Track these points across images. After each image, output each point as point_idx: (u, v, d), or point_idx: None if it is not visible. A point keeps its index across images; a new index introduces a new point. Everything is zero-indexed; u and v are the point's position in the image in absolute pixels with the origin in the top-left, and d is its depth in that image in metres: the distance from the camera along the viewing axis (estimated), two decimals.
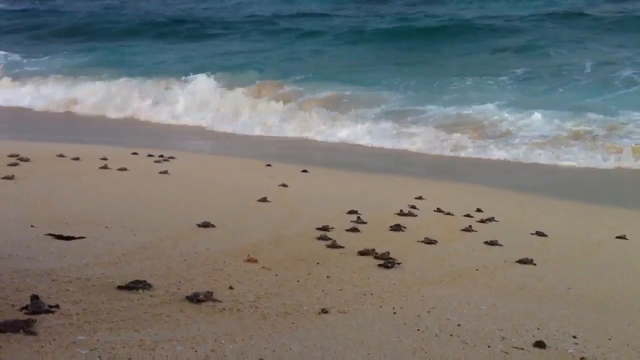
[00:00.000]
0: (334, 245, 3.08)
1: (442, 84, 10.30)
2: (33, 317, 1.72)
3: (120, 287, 2.11)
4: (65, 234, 2.78)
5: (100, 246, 2.69)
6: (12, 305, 1.84)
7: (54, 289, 2.01)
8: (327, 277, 2.57)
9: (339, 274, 2.62)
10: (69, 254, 2.51)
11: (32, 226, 2.93)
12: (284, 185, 4.77)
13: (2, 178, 4.13)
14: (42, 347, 1.56)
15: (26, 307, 1.80)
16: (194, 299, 2.08)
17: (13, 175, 4.23)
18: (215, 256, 2.72)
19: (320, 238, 3.18)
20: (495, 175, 6.44)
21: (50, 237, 2.75)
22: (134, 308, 1.94)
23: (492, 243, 3.46)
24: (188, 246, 2.85)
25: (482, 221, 4.00)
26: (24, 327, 1.64)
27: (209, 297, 2.10)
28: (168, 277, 2.33)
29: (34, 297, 1.84)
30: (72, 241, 2.74)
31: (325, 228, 3.40)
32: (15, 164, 4.70)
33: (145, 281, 2.16)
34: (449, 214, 4.16)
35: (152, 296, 2.08)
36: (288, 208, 4.03)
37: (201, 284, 2.28)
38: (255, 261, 2.73)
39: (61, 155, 5.27)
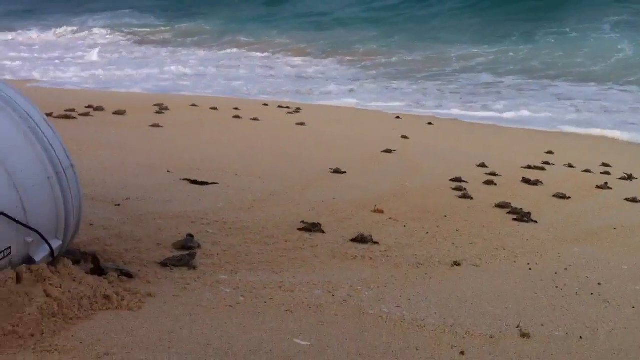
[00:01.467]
0: (465, 196, 3.04)
1: None
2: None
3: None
4: (199, 180, 2.89)
5: (232, 192, 2.77)
6: (158, 243, 1.93)
7: (194, 230, 2.08)
8: (457, 230, 2.52)
9: (468, 228, 2.56)
10: (205, 199, 2.60)
11: (168, 171, 3.06)
12: (405, 137, 4.74)
13: (150, 126, 4.40)
14: (188, 284, 1.62)
15: (174, 245, 1.89)
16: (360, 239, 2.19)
17: (158, 124, 4.48)
18: (342, 206, 2.73)
19: (456, 189, 3.16)
20: None
21: (186, 181, 2.87)
22: (270, 252, 1.99)
23: (634, 200, 3.27)
24: (315, 195, 2.88)
25: (622, 178, 3.78)
26: (187, 262, 1.73)
27: (368, 239, 2.21)
28: (296, 223, 2.36)
29: (189, 235, 1.94)
30: (206, 186, 2.84)
31: (458, 179, 3.38)
32: (160, 112, 5.08)
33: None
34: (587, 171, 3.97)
35: (286, 241, 2.12)
36: (411, 160, 3.99)
37: (331, 231, 2.30)
38: (382, 212, 2.72)
39: (194, 105, 5.61)
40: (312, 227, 2.27)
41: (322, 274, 1.86)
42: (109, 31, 16.14)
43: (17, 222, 1.24)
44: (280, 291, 1.66)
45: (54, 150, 1.30)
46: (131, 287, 1.48)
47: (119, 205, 2.32)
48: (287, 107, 6.00)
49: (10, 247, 1.26)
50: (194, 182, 2.87)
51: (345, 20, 15.85)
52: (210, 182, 2.89)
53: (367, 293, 1.78)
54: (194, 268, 1.72)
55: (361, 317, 1.61)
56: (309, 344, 1.41)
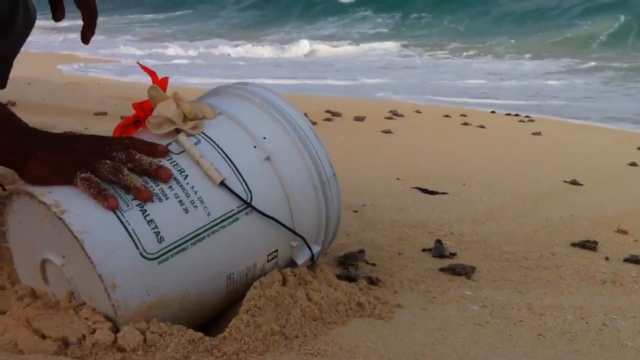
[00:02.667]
0: None
1: None
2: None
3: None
4: (429, 189, 2.88)
5: (463, 203, 2.72)
6: (399, 253, 1.94)
7: (431, 241, 2.07)
8: None
9: None
10: (436, 208, 2.58)
11: (397, 178, 3.09)
12: None
13: (382, 132, 4.53)
14: (434, 297, 1.60)
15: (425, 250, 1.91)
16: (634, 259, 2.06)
17: (389, 130, 4.60)
18: (581, 222, 2.55)
19: None
20: None
21: (416, 190, 2.87)
22: (511, 269, 1.91)
23: None
24: (551, 210, 2.73)
25: None
26: (467, 272, 1.74)
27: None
28: (534, 241, 2.24)
29: (438, 242, 1.94)
30: (436, 195, 2.82)
31: None
32: (390, 118, 5.22)
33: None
34: None
35: (526, 259, 2.02)
36: None
37: (572, 248, 2.15)
38: (625, 233, 2.49)
39: (417, 112, 5.69)
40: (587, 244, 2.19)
41: (571, 297, 1.74)
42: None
43: (286, 227, 1.30)
44: (530, 314, 1.58)
45: (320, 160, 1.35)
46: (380, 296, 1.50)
47: (356, 211, 2.38)
48: (516, 115, 5.87)
49: (277, 250, 1.33)
50: (424, 190, 2.87)
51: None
52: (440, 191, 2.87)
53: (623, 323, 1.62)
54: (472, 280, 1.72)
55: (620, 350, 1.47)
56: None
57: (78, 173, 1.17)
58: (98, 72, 8.72)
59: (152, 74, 1.36)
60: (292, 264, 1.38)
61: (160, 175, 1.20)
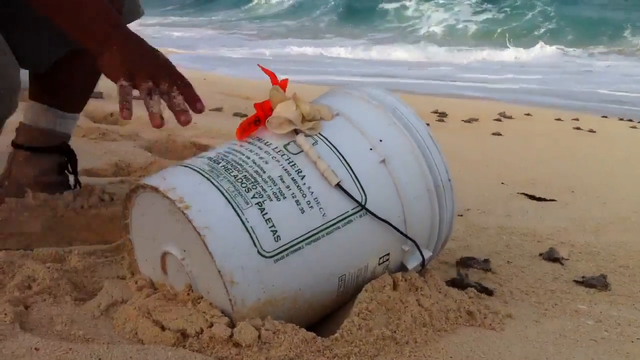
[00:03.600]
0: None
1: None
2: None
3: None
4: (536, 195, 2.79)
5: (573, 212, 2.61)
6: (508, 261, 1.89)
7: (541, 251, 2.00)
8: None
9: None
10: (545, 216, 2.49)
11: (502, 183, 3.01)
12: None
13: (492, 134, 4.46)
14: (546, 310, 1.55)
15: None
16: None
17: (498, 132, 4.52)
18: None
19: None
20: None
21: (522, 196, 2.79)
22: (628, 284, 1.81)
23: None
24: None
25: None
26: (601, 284, 1.69)
27: None
28: None
29: (550, 251, 1.89)
30: (543, 202, 2.72)
31: None
32: (498, 120, 5.13)
33: None
34: None
35: None
36: None
37: None
38: None
39: (527, 114, 5.55)
40: None
41: None
42: None
43: (399, 231, 1.29)
44: None
45: (436, 164, 1.33)
46: (490, 305, 1.46)
47: (461, 215, 2.33)
48: (630, 121, 5.60)
49: (389, 254, 1.32)
50: (531, 197, 2.78)
51: None
52: (547, 198, 2.77)
53: None
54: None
55: None
56: None
57: (122, 79, 1.29)
58: (197, 66, 8.98)
59: (271, 75, 1.38)
60: (402, 268, 1.37)
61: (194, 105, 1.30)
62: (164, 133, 3.18)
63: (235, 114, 4.48)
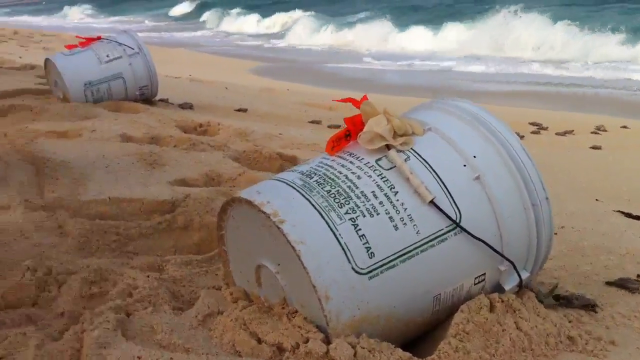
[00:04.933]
0: None
1: None
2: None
3: None
4: (633, 213, 2.66)
5: None
6: (607, 282, 1.81)
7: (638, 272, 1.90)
8: None
9: None
10: (638, 234, 2.37)
11: (596, 200, 2.89)
12: None
13: (590, 147, 4.31)
14: (607, 326, 1.47)
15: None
16: None
17: (600, 146, 4.37)
18: None
19: None
20: None
21: (618, 213, 2.66)
22: None
23: None
24: None
25: None
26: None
27: None
28: None
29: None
30: (638, 221, 2.59)
31: None
32: (595, 133, 4.99)
33: None
34: None
35: None
36: None
37: None
38: None
39: (624, 127, 5.33)
40: None
41: None
42: None
43: (495, 250, 1.26)
44: None
45: (532, 181, 1.29)
46: (591, 330, 1.40)
47: (556, 233, 2.25)
48: None
49: (484, 274, 1.29)
50: (628, 215, 2.65)
51: None
52: None
53: None
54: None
55: None
56: None
57: None
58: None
59: (350, 101, 1.39)
60: (498, 288, 1.33)
61: None
62: (251, 144, 3.23)
63: (312, 122, 4.51)
